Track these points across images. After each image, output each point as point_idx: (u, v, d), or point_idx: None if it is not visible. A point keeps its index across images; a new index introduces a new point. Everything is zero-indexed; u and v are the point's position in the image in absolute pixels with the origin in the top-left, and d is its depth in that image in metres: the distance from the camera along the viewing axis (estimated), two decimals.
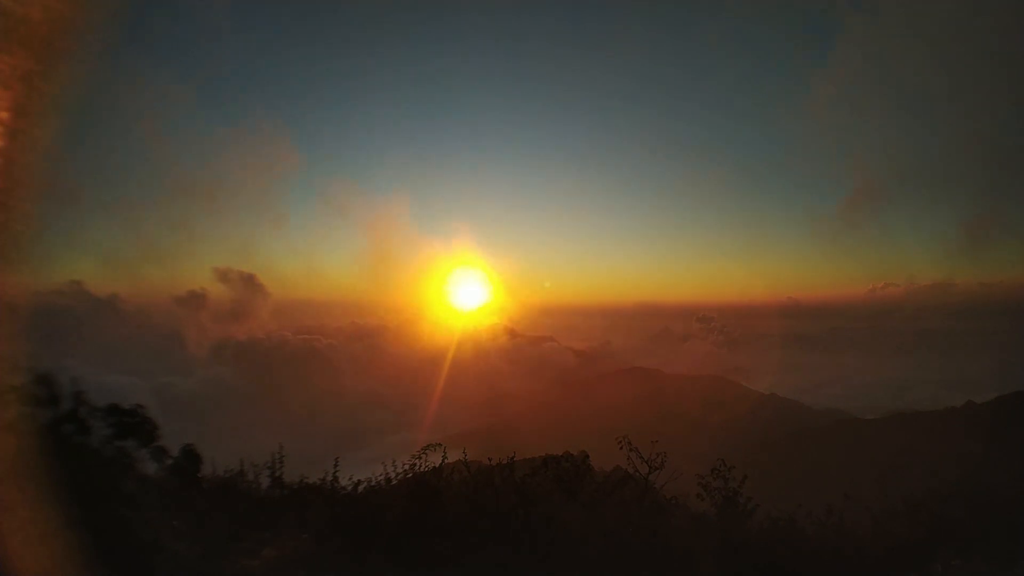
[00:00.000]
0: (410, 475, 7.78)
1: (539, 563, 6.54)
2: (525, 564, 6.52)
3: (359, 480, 7.88)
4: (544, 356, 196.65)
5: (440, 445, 8.14)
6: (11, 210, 4.34)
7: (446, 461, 8.01)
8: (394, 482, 7.75)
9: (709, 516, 7.66)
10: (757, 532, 7.39)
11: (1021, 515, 7.78)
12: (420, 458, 7.87)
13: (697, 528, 7.47)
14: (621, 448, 8.18)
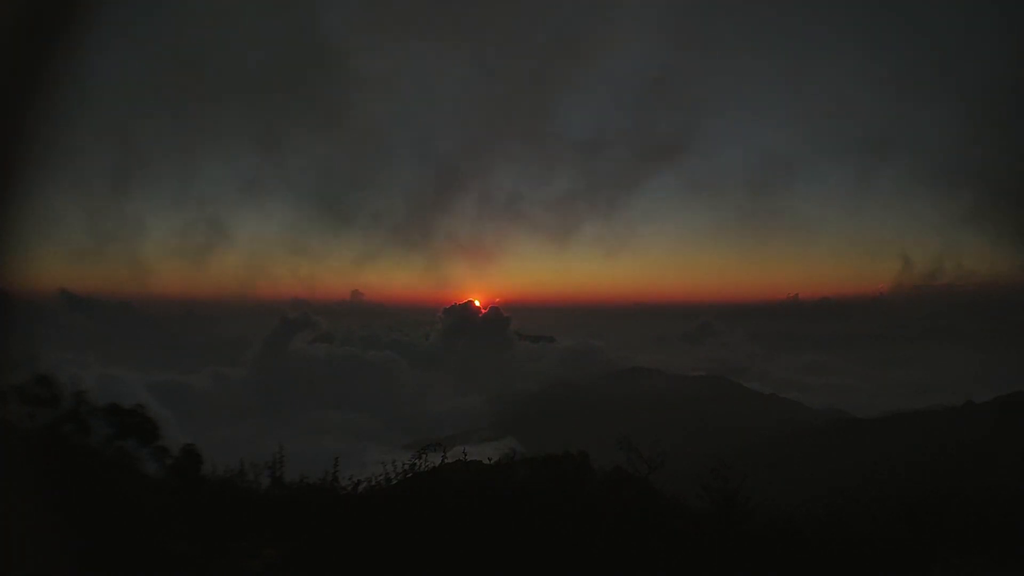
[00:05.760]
0: (410, 475, 7.79)
1: (539, 564, 6.54)
2: (526, 565, 6.52)
3: (359, 480, 7.89)
4: (544, 356, 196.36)
5: (440, 445, 8.16)
6: (8, 212, 4.35)
7: (446, 461, 8.03)
8: (394, 482, 7.76)
9: (709, 516, 7.66)
10: (756, 532, 7.39)
11: (1021, 515, 7.78)
12: (420, 458, 7.88)
13: (696, 528, 7.46)
14: (621, 448, 8.19)
